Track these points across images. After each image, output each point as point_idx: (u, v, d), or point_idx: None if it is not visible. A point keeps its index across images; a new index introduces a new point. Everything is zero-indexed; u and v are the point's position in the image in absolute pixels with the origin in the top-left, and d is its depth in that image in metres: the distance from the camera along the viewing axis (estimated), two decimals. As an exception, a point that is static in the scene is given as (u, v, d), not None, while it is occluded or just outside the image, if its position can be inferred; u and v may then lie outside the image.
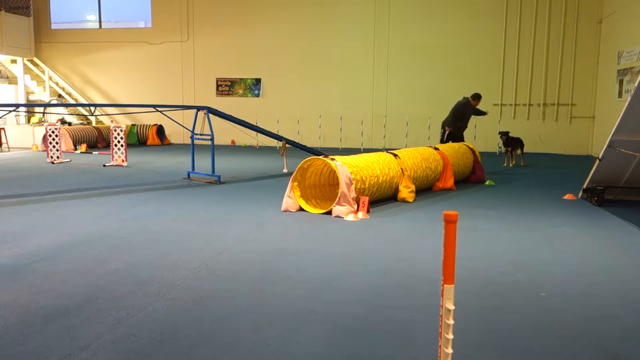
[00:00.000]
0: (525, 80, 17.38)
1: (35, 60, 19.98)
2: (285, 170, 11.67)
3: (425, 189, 9.10)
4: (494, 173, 11.56)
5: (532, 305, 4.01)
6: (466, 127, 12.11)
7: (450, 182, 9.33)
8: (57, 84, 20.28)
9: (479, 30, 17.44)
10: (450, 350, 2.34)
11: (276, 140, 12.35)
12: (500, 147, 16.50)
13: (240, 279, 4.56)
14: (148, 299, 4.03)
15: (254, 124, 12.08)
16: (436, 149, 9.48)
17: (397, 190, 8.17)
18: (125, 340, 3.33)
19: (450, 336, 2.32)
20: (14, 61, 19.46)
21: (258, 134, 12.52)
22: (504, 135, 13.33)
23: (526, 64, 17.31)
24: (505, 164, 13.37)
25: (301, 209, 7.40)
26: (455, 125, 11.84)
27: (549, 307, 3.97)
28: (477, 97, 12.03)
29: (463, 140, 11.67)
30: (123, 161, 12.67)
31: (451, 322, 2.31)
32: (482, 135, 16.88)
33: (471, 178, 10.27)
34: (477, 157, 10.39)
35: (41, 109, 17.70)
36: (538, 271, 4.84)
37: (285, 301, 4.03)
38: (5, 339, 3.34)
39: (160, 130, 18.98)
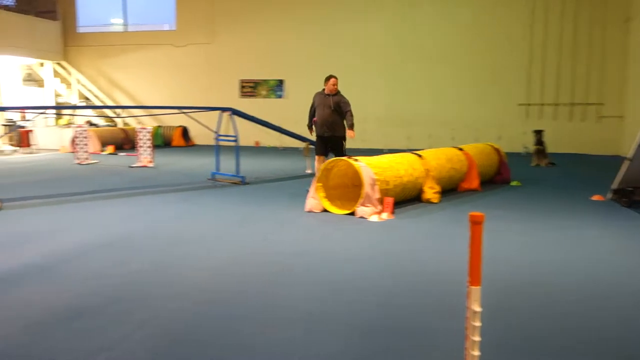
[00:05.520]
0: (551, 79, 17.12)
1: (63, 63, 20.33)
2: (308, 171, 11.67)
3: (450, 190, 9.02)
4: (520, 174, 11.37)
5: (557, 308, 3.93)
6: (329, 123, 8.75)
7: (475, 183, 9.23)
8: (84, 86, 20.61)
9: (504, 29, 17.22)
10: (477, 353, 2.31)
11: (300, 142, 12.36)
12: (525, 148, 16.28)
13: (260, 279, 4.57)
14: (170, 300, 4.06)
15: (277, 125, 12.10)
16: (460, 149, 9.39)
17: (421, 191, 8.11)
18: (147, 341, 3.36)
19: (477, 338, 2.30)
20: (42, 64, 19.84)
21: (281, 135, 12.54)
22: (538, 133, 13.14)
23: (553, 63, 17.04)
24: (533, 164, 13.18)
25: (325, 210, 7.40)
26: (311, 123, 9.12)
27: (574, 310, 3.90)
28: (326, 79, 8.87)
29: (335, 145, 8.86)
30: (149, 162, 12.81)
31: (478, 324, 2.29)
32: (507, 135, 16.68)
33: (497, 179, 10.14)
34: (502, 158, 10.26)
35: (69, 111, 18.01)
36: (564, 273, 4.76)
37: (305, 302, 4.03)
38: (33, 337, 3.40)
39: (185, 131, 19.15)
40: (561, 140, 16.64)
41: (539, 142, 13.18)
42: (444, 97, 17.83)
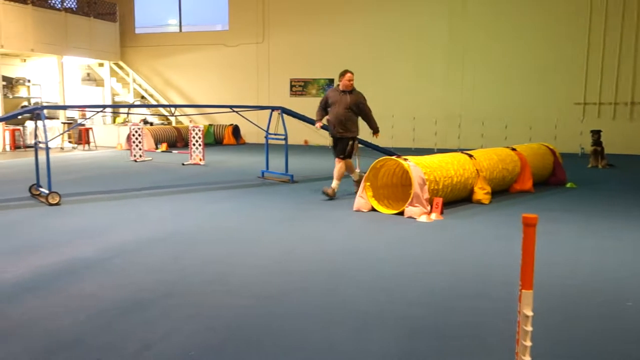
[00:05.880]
0: (610, 77, 16.46)
1: (121, 63, 21.00)
2: (357, 170, 11.63)
3: (502, 191, 8.82)
4: (576, 175, 10.98)
5: (615, 315, 3.79)
6: (343, 123, 8.22)
7: (528, 184, 8.99)
8: (140, 85, 21.23)
9: (560, 23, 16.67)
10: (528, 358, 2.26)
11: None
12: (582, 148, 15.76)
13: (310, 277, 4.59)
14: (221, 295, 4.14)
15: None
16: (513, 149, 9.17)
17: (472, 191, 7.97)
18: (200, 335, 3.44)
19: (529, 343, 2.24)
20: (101, 64, 20.54)
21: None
22: (596, 133, 12.69)
23: (612, 60, 16.38)
24: (590, 165, 12.74)
25: (373, 209, 7.37)
26: (320, 119, 8.73)
27: (634, 317, 3.74)
28: (341, 74, 8.38)
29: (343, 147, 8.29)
30: (200, 160, 13.08)
31: (529, 328, 2.23)
32: (562, 135, 16.17)
33: (551, 180, 9.85)
34: (557, 158, 9.96)
35: (125, 110, 18.60)
36: (622, 279, 4.58)
37: (354, 301, 4.03)
38: (90, 329, 3.53)
39: (235, 130, 19.45)
40: (620, 141, 15.98)
41: (597, 142, 12.72)
42: (497, 96, 17.44)
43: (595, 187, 9.73)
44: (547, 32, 16.82)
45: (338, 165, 8.41)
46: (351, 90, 8.28)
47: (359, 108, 8.28)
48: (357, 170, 8.79)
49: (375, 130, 8.53)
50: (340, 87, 8.30)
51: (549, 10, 16.77)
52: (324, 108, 8.56)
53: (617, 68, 16.35)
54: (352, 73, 8.28)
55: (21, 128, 16.87)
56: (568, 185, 9.73)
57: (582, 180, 10.36)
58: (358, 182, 8.56)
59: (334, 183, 8.39)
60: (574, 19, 16.55)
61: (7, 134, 16.33)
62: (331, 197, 8.24)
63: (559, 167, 9.92)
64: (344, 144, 8.31)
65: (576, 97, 16.73)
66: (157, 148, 16.51)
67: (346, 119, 8.22)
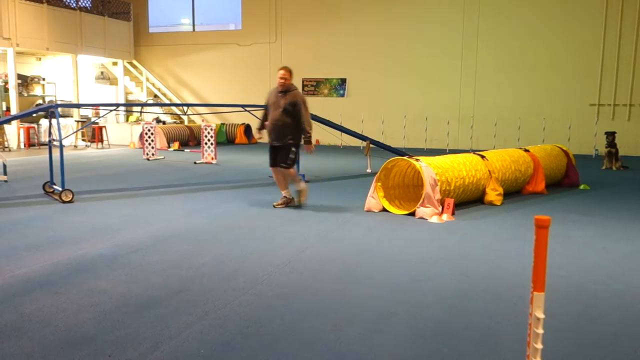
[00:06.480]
0: (625, 79, 16.31)
1: (134, 62, 21.14)
2: (368, 170, 11.65)
3: (514, 192, 8.77)
4: (590, 177, 10.90)
5: (629, 318, 3.76)
6: (278, 128, 7.29)
7: (541, 186, 8.94)
8: (153, 84, 21.36)
9: (575, 24, 16.56)
10: (539, 361, 2.25)
11: (360, 140, 12.35)
12: (596, 150, 15.64)
13: (322, 277, 4.60)
14: (234, 293, 4.16)
15: (339, 123, 12.13)
16: (526, 150, 9.12)
17: (483, 192, 7.94)
18: (212, 332, 3.46)
19: (540, 346, 2.23)
20: (115, 63, 20.70)
21: (342, 133, 12.58)
22: (610, 135, 12.60)
23: (627, 61, 16.23)
24: (604, 167, 12.64)
25: (384, 210, 7.36)
26: (262, 126, 7.79)
27: (650, 321, 3.72)
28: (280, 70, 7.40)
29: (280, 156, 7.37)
30: (212, 159, 13.13)
31: (540, 331, 2.22)
32: (576, 136, 16.06)
33: (564, 182, 9.79)
34: (570, 160, 9.89)
35: (138, 109, 18.73)
36: (637, 282, 4.54)
37: (366, 301, 4.03)
38: (104, 325, 3.56)
39: (247, 129, 19.51)
40: (635, 142, 15.86)
41: (611, 144, 12.62)
42: (510, 97, 17.35)
43: (609, 189, 9.65)
44: (561, 34, 16.70)
45: (284, 174, 7.49)
46: (286, 90, 7.29)
47: (295, 109, 7.19)
48: (300, 186, 7.67)
49: (306, 139, 7.32)
50: (279, 88, 7.36)
51: (564, 11, 16.65)
52: (267, 113, 7.57)
53: (632, 69, 16.21)
54: (287, 70, 7.29)
55: (36, 126, 17.03)
56: (581, 187, 9.66)
57: (595, 182, 10.28)
58: (285, 200, 7.58)
59: (285, 192, 7.60)
60: (590, 20, 16.42)
61: (22, 132, 16.50)
62: (290, 203, 7.60)
63: (572, 168, 9.85)
64: (286, 152, 7.33)
65: (591, 98, 16.61)
66: (169, 147, 16.61)
67: (282, 124, 7.22)
